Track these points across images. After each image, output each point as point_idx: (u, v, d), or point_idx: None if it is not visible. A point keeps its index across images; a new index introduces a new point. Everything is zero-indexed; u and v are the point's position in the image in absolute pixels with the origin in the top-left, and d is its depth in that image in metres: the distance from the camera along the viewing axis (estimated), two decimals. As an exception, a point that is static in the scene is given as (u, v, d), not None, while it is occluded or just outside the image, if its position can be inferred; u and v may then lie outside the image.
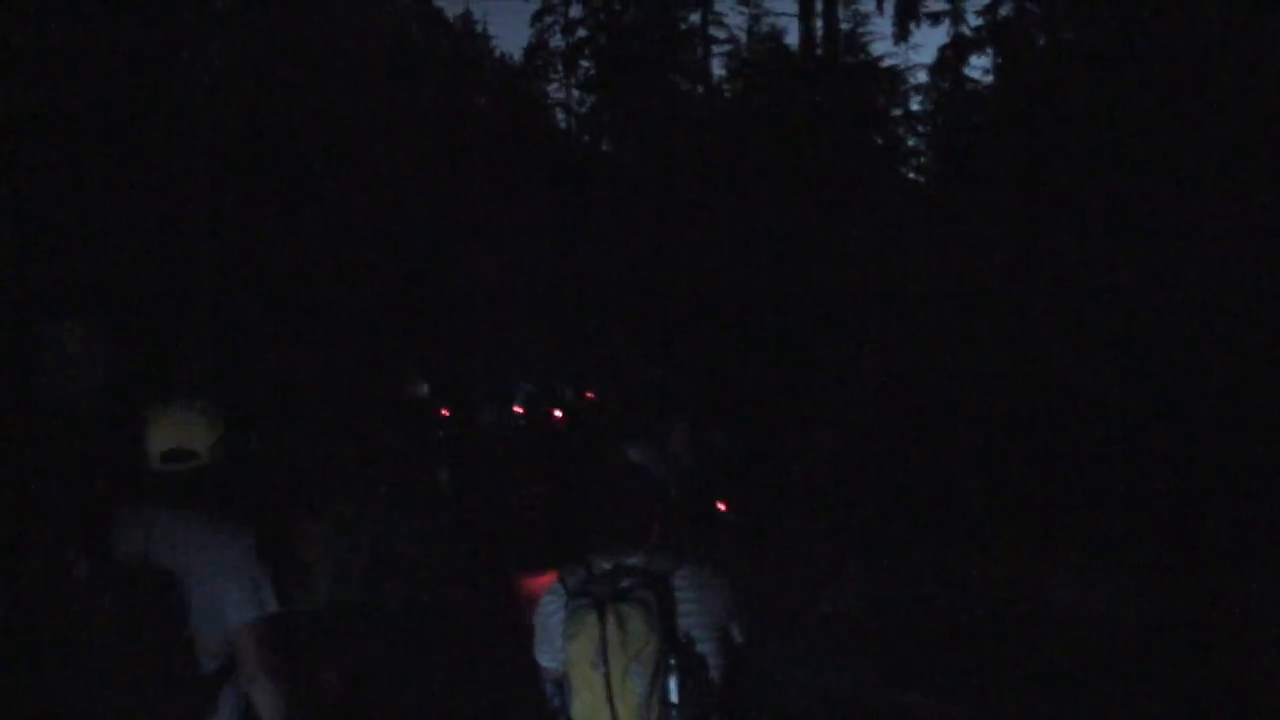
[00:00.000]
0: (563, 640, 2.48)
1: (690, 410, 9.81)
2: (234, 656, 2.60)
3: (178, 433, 2.68)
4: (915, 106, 24.68)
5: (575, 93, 28.34)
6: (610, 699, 2.38)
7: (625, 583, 2.48)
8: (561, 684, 2.54)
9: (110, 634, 2.47)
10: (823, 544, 8.49)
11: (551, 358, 20.41)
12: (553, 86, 29.16)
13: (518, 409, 12.16)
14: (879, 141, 24.20)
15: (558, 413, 11.88)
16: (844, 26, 22.46)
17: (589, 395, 15.18)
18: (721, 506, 6.24)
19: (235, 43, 13.21)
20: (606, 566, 2.56)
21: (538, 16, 27.39)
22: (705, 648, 2.54)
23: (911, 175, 24.95)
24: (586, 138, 28.35)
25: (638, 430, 6.80)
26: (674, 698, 2.41)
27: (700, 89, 25.80)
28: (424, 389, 9.04)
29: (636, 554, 2.58)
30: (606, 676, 2.39)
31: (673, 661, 2.43)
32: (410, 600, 5.49)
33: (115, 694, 2.47)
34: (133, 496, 2.66)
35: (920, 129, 24.85)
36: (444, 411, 10.43)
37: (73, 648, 2.53)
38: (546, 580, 2.73)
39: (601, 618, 2.40)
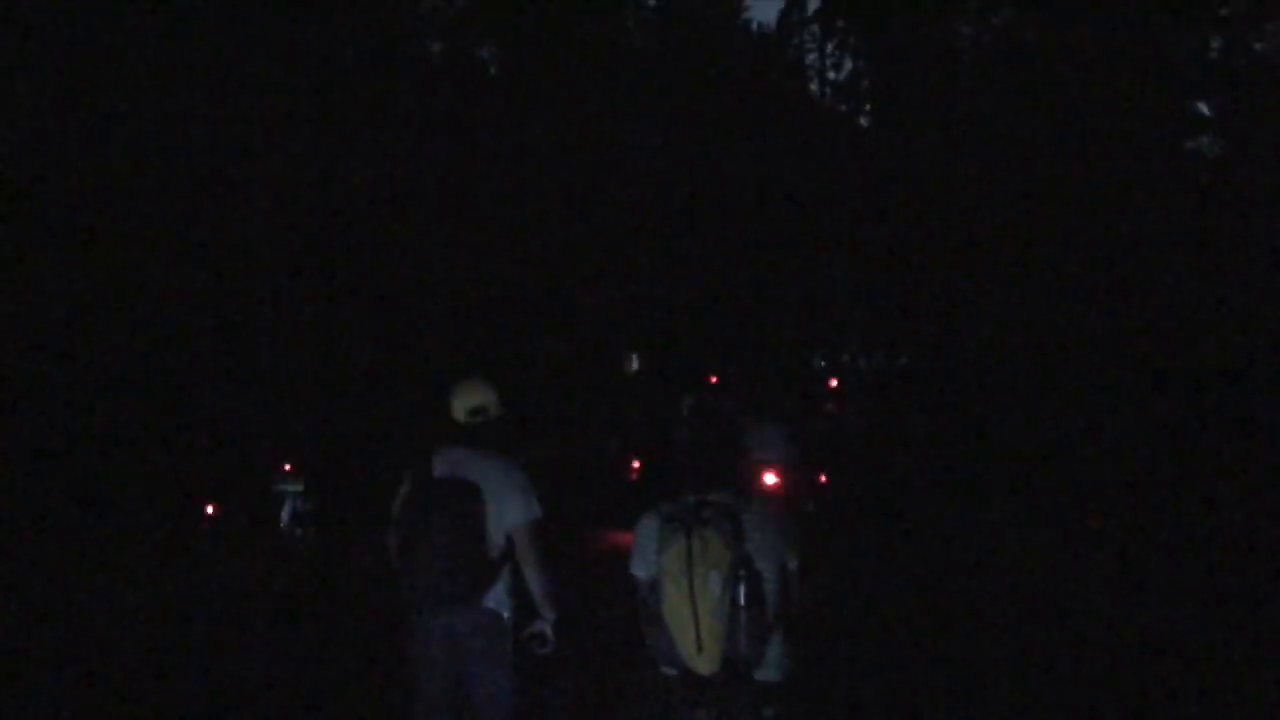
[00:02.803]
0: (656, 554, 3.25)
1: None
2: (512, 547, 3.81)
3: (475, 397, 3.98)
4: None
5: (830, 54, 27.54)
6: (692, 597, 3.16)
7: (706, 513, 3.23)
8: (653, 588, 3.27)
9: (433, 528, 3.71)
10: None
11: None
12: (811, 56, 29.15)
13: None
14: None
15: None
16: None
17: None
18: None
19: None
20: (692, 500, 3.31)
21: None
22: (763, 566, 3.25)
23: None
24: (843, 107, 28.17)
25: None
26: (742, 601, 3.16)
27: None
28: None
29: (716, 492, 3.34)
30: (690, 581, 3.17)
31: (741, 573, 3.17)
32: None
33: (429, 572, 3.72)
34: (443, 441, 3.93)
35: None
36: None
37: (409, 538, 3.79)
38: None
39: (688, 536, 3.19)
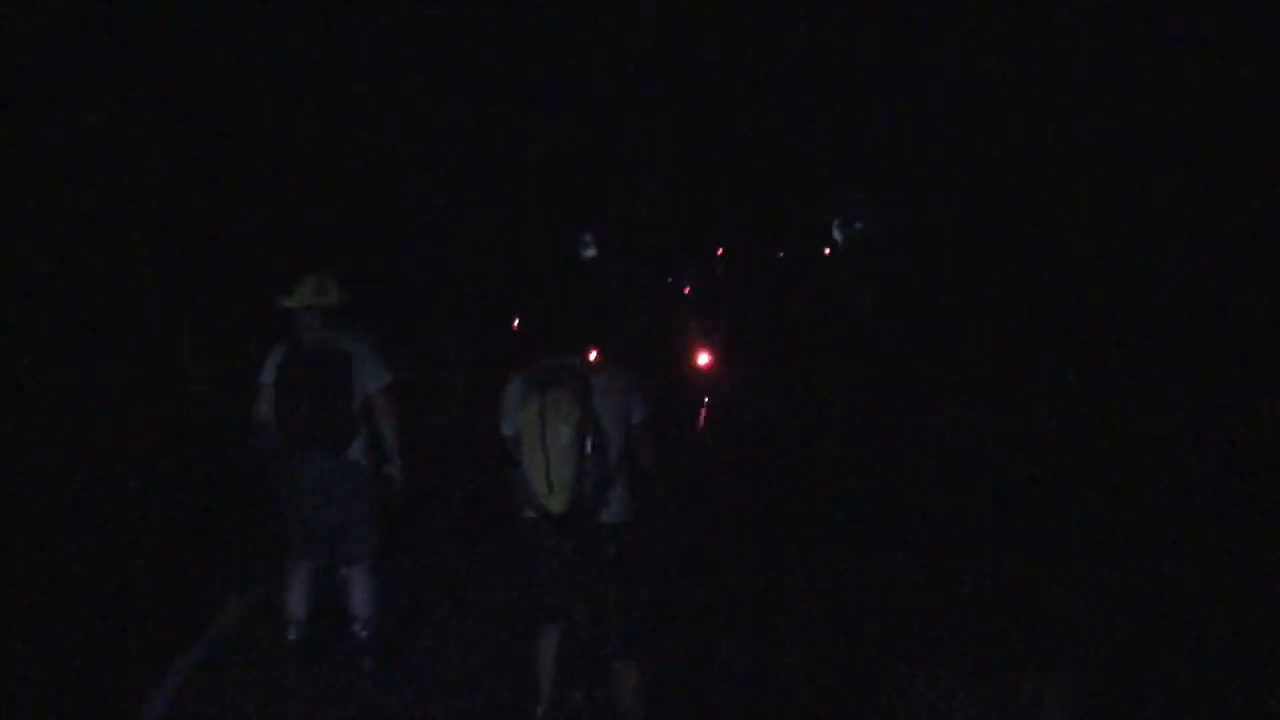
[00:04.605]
0: (516, 411, 3.82)
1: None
2: (369, 407, 4.55)
3: (321, 287, 4.56)
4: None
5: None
6: (544, 446, 3.71)
7: (561, 375, 3.76)
8: (515, 441, 3.83)
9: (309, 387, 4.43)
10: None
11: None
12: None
13: None
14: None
15: None
16: None
17: None
18: None
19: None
20: (553, 365, 3.85)
21: None
22: (607, 421, 3.84)
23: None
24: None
25: None
26: (588, 450, 3.74)
27: None
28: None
29: (574, 357, 3.90)
30: (542, 432, 3.70)
31: (588, 426, 3.73)
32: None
33: (309, 424, 4.44)
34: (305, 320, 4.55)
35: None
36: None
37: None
38: None
39: (543, 395, 3.72)
